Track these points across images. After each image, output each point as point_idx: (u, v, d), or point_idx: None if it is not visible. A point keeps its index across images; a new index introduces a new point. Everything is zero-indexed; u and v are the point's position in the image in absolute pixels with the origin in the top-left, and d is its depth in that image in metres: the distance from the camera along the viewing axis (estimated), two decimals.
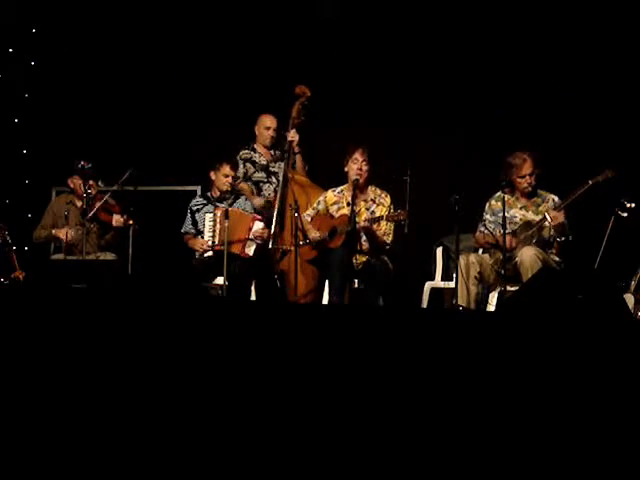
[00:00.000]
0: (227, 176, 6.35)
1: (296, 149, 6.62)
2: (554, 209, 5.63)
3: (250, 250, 6.24)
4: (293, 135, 6.57)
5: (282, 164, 6.58)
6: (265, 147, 6.74)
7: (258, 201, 6.56)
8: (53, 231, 6.52)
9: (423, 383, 2.88)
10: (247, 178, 6.65)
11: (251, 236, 6.23)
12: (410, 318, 3.24)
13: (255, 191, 6.65)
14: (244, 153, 6.70)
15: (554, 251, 5.69)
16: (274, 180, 6.64)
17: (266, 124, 6.73)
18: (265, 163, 6.69)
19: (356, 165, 6.04)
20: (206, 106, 7.48)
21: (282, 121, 6.73)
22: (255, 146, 6.75)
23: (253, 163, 6.68)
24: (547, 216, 5.60)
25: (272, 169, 6.67)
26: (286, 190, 6.44)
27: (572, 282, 3.54)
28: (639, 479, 2.66)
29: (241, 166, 6.64)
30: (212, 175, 6.43)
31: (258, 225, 6.28)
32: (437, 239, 6.50)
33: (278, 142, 6.74)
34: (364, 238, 5.99)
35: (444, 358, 2.92)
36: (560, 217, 5.59)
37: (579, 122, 6.91)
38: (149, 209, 6.65)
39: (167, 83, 7.59)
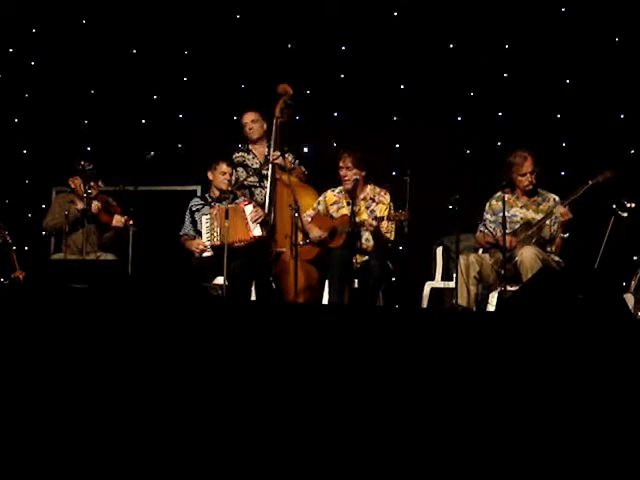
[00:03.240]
0: (225, 174, 6.33)
1: (290, 165, 6.39)
2: (561, 205, 5.65)
3: (257, 230, 6.17)
4: (275, 157, 6.36)
5: (271, 166, 6.40)
6: (258, 141, 6.56)
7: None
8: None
9: (423, 383, 2.88)
10: (239, 184, 6.48)
11: (250, 220, 6.19)
12: (410, 318, 3.24)
13: (248, 195, 6.51)
14: (237, 157, 6.57)
15: (554, 249, 5.69)
16: (266, 184, 6.45)
17: (243, 121, 6.62)
18: (257, 166, 6.52)
19: (341, 172, 6.04)
20: (206, 106, 7.48)
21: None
22: (250, 147, 6.63)
23: (245, 167, 6.56)
24: (556, 212, 5.61)
25: (264, 172, 6.46)
26: (274, 193, 6.38)
27: (572, 282, 3.54)
28: (639, 479, 2.66)
29: (234, 171, 6.49)
30: (210, 175, 6.40)
31: (249, 209, 6.20)
32: (437, 239, 6.50)
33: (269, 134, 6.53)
34: (365, 237, 5.98)
35: (444, 358, 2.92)
36: (569, 214, 5.64)
37: (579, 122, 6.92)
38: (149, 209, 6.65)
39: (167, 83, 7.60)
